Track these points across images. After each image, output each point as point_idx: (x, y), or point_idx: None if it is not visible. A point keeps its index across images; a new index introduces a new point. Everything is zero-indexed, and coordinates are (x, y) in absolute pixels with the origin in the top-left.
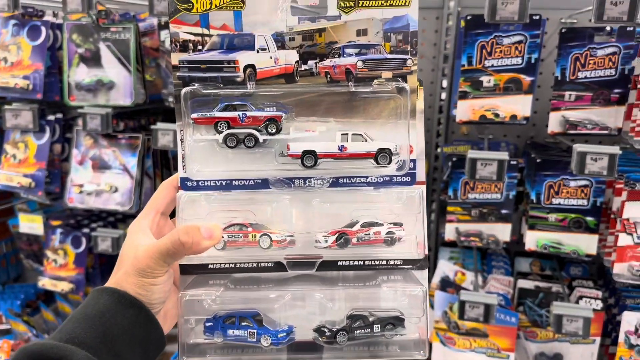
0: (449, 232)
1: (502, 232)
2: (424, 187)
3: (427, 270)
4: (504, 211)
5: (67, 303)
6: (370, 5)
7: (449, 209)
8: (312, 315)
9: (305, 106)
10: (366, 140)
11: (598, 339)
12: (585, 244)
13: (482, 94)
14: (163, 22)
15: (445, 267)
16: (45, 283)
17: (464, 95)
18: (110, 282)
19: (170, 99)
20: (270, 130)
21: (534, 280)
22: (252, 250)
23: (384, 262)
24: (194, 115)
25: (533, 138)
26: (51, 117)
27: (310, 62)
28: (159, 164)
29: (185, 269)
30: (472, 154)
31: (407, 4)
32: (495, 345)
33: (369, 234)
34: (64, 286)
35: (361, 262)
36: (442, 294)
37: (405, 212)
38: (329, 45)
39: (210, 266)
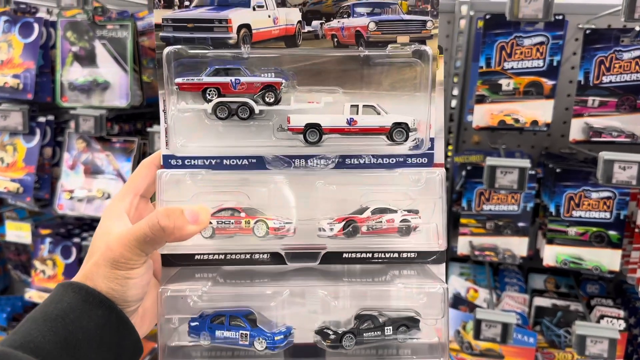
0: (462, 245)
1: (519, 246)
2: (443, 170)
3: (444, 264)
4: (520, 224)
5: None
6: None
7: (462, 221)
8: (314, 314)
9: (309, 74)
10: (379, 113)
11: None
12: (607, 259)
13: (501, 98)
14: None
15: (457, 283)
16: (32, 295)
17: (481, 99)
18: (79, 276)
19: None
20: (267, 100)
21: (551, 298)
22: (245, 238)
23: (396, 255)
24: (179, 80)
25: (548, 148)
26: (42, 119)
27: (315, 23)
28: None
29: (168, 260)
30: (491, 160)
31: None
32: None
33: (381, 222)
34: None
35: (370, 255)
36: (454, 311)
37: (422, 197)
38: (336, 3)
39: (196, 257)
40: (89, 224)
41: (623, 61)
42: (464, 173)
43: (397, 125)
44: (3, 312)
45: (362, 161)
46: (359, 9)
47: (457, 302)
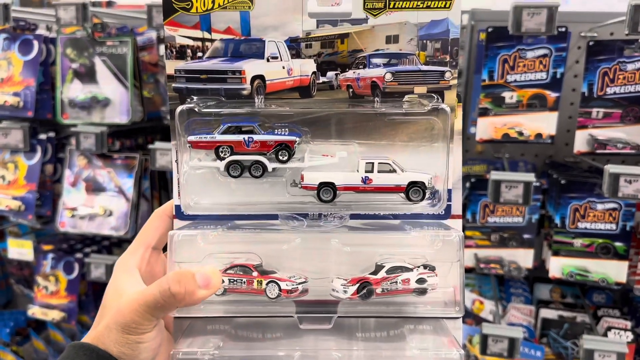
0: (467, 258)
1: (524, 258)
2: (461, 227)
3: (461, 319)
4: (526, 236)
5: (60, 331)
6: (403, 6)
7: (467, 233)
8: None
9: (323, 126)
10: (395, 171)
11: None
12: (614, 271)
13: (504, 111)
14: (162, 35)
15: None
16: (35, 312)
17: (484, 112)
18: (90, 336)
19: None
20: (281, 158)
21: (557, 309)
22: (257, 298)
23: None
24: (192, 137)
25: (552, 157)
26: (43, 136)
27: (330, 74)
28: (157, 186)
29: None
30: (495, 175)
31: (447, 6)
32: None
33: (396, 282)
34: (54, 315)
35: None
36: None
37: (439, 259)
38: (352, 54)
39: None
40: (91, 239)
41: (627, 72)
42: (467, 185)
43: (413, 184)
44: (6, 326)
45: (376, 212)
46: (375, 60)
47: (463, 315)
